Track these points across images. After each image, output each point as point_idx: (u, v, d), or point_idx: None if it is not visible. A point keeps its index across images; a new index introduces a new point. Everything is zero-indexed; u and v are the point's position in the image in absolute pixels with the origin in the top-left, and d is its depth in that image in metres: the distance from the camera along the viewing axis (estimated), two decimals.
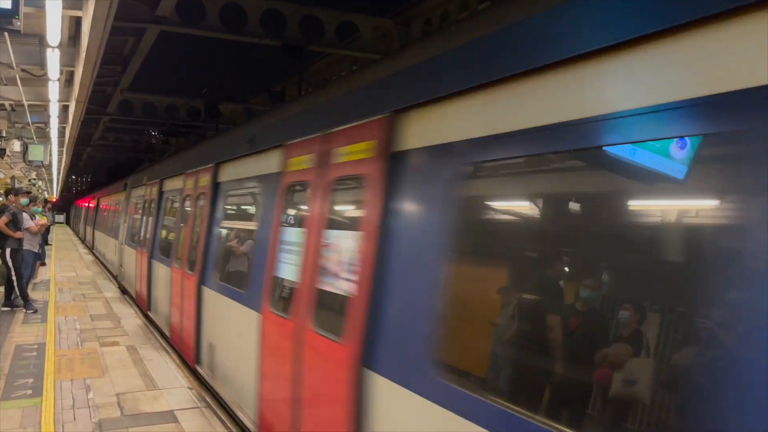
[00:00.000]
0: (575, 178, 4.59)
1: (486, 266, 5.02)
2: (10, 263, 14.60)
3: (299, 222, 7.32)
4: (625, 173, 4.06)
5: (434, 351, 4.51)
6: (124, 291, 19.14)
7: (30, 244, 15.88)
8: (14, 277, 14.80)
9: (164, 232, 14.99)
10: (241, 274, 9.38)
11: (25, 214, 15.63)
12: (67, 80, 16.47)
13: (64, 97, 17.48)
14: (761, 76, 2.90)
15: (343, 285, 5.89)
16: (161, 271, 14.02)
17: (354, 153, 6.00)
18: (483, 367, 4.78)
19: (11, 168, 28.65)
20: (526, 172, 4.69)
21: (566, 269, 4.53)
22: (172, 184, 14.17)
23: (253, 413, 7.82)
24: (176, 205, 13.46)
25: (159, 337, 12.85)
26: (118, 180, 31.47)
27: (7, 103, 18.42)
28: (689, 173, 3.69)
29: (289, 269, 7.17)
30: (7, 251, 14.55)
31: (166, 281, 13.13)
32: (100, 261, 30.82)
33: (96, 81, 15.37)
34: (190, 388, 9.55)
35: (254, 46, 21.42)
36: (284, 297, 7.30)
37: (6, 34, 10.37)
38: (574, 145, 3.85)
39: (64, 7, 10.19)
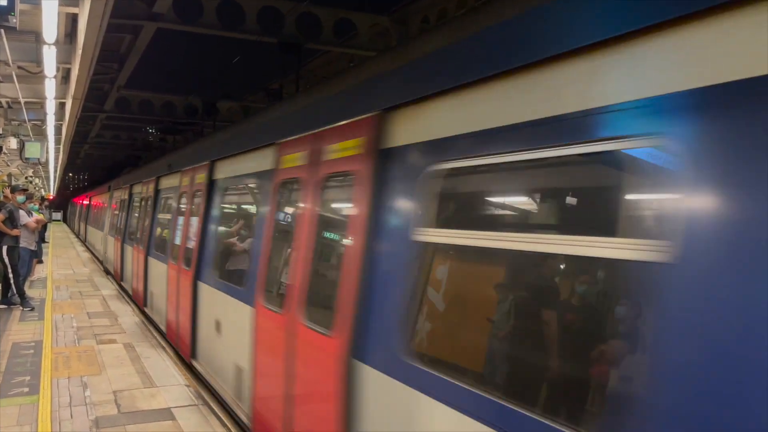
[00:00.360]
0: (554, 174, 4.76)
1: (465, 260, 5.28)
2: (6, 261, 14.61)
3: (291, 218, 7.54)
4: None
5: (416, 342, 4.86)
6: (106, 271, 21.75)
7: (27, 242, 15.88)
8: (11, 275, 14.79)
9: (159, 230, 15.16)
10: (237, 269, 9.63)
11: (22, 211, 15.63)
12: (64, 77, 16.48)
13: (61, 95, 17.49)
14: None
15: (332, 280, 6.10)
16: (157, 267, 14.14)
17: (344, 150, 6.17)
18: (453, 354, 5.07)
19: (8, 165, 28.63)
20: (499, 169, 4.83)
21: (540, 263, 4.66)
22: (168, 182, 14.42)
23: (246, 405, 8.02)
24: (172, 202, 13.65)
25: (156, 335, 12.86)
26: (110, 180, 35.20)
27: (3, 100, 18.43)
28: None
29: (281, 265, 7.44)
30: (4, 249, 14.54)
31: (163, 277, 13.26)
32: (91, 251, 35.20)
33: (93, 78, 15.38)
34: (188, 386, 9.57)
35: (251, 44, 21.44)
36: (277, 292, 7.54)
37: (2, 31, 10.41)
38: (547, 142, 4.05)
39: (60, 4, 10.20)
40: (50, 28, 10.78)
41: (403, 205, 5.21)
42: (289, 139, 7.47)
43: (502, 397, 4.12)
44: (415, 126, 5.22)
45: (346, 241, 5.78)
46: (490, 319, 4.83)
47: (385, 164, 5.43)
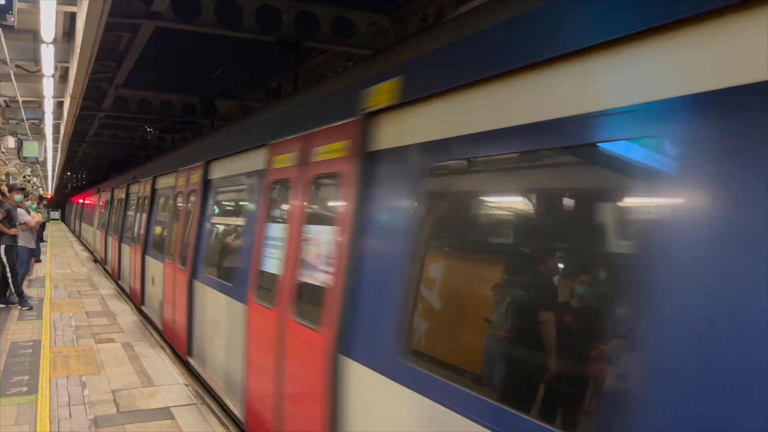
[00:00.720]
0: (532, 176, 4.87)
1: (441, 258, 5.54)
2: (4, 260, 14.61)
3: (282, 217, 7.88)
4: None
5: (400, 337, 5.05)
6: (94, 260, 24.46)
7: (25, 241, 15.90)
8: (9, 274, 14.80)
9: (158, 229, 15.39)
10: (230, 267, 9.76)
11: (20, 210, 15.65)
12: (62, 76, 16.50)
13: (59, 93, 17.52)
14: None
15: (320, 277, 6.39)
16: (154, 266, 14.31)
17: (331, 152, 6.44)
18: (437, 349, 5.28)
19: (6, 164, 28.66)
20: (475, 171, 5.19)
21: (541, 265, 4.78)
22: (165, 182, 14.76)
23: (240, 400, 8.27)
24: (169, 202, 14.02)
25: (154, 334, 12.88)
26: (101, 182, 40.21)
27: (1, 99, 18.45)
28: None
29: (272, 263, 7.59)
30: (2, 248, 14.54)
31: (159, 276, 13.48)
32: (84, 244, 40.67)
33: (91, 77, 15.40)
34: (186, 385, 9.59)
35: (250, 42, 21.44)
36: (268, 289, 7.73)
37: (0, 29, 10.40)
38: (522, 148, 4.33)
39: (58, 3, 10.22)
40: (48, 26, 10.79)
41: (387, 204, 5.56)
42: (279, 140, 7.86)
43: (488, 393, 4.46)
44: (399, 130, 5.56)
45: (334, 240, 6.11)
46: (483, 317, 5.04)
47: (371, 166, 5.72)
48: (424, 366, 4.86)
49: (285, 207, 7.70)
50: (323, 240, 6.51)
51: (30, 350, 10.99)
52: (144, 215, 17.11)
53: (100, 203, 31.94)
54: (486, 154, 4.59)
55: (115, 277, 21.93)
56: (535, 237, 4.75)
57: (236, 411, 8.30)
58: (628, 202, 4.04)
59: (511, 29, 4.61)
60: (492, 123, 4.45)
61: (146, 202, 16.93)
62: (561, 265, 4.62)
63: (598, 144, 3.93)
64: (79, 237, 49.59)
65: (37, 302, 15.72)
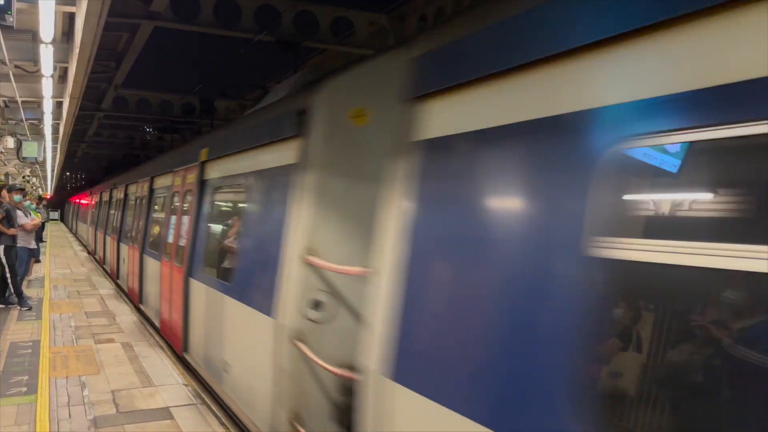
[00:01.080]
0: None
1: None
2: (3, 260, 14.61)
3: (172, 212, 13.41)
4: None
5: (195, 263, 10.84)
6: (88, 251, 32.55)
7: (24, 241, 15.91)
8: (8, 275, 14.81)
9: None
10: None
11: (19, 211, 15.66)
12: (61, 76, 16.51)
13: (58, 94, 17.53)
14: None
15: (182, 242, 12.15)
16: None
17: (191, 179, 12.02)
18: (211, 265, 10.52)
19: (5, 165, 28.65)
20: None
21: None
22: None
23: (158, 319, 13.63)
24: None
25: (154, 334, 12.92)
26: (96, 184, 45.34)
27: (0, 100, 18.44)
28: None
29: (164, 234, 13.98)
30: (1, 248, 14.55)
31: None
32: (81, 241, 45.56)
33: (90, 77, 15.41)
34: (186, 385, 9.60)
35: (249, 42, 21.43)
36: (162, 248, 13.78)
37: None
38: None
39: (57, 3, 10.26)
40: (47, 26, 10.81)
41: (208, 207, 11.05)
42: (174, 170, 13.68)
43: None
44: (216, 170, 11.05)
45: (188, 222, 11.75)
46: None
47: (205, 187, 11.26)
48: (210, 272, 10.32)
49: (174, 208, 13.32)
50: (186, 222, 11.89)
51: (29, 350, 11.00)
52: (119, 214, 22.78)
53: (93, 204, 36.62)
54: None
55: (114, 276, 22.98)
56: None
57: (156, 322, 13.60)
58: None
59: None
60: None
61: (123, 204, 22.33)
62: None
63: None
64: (75, 234, 53.70)
65: (36, 302, 15.73)
